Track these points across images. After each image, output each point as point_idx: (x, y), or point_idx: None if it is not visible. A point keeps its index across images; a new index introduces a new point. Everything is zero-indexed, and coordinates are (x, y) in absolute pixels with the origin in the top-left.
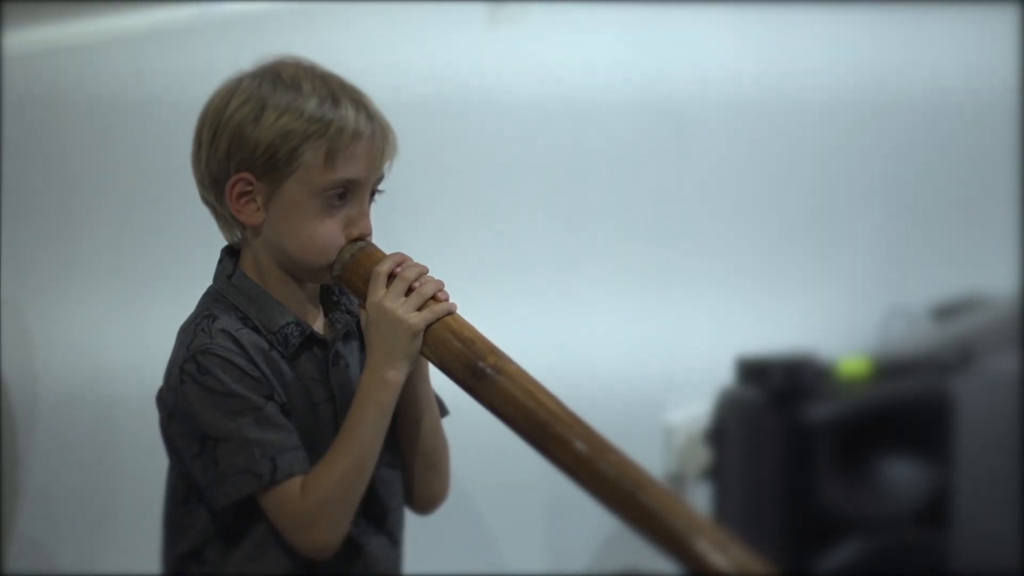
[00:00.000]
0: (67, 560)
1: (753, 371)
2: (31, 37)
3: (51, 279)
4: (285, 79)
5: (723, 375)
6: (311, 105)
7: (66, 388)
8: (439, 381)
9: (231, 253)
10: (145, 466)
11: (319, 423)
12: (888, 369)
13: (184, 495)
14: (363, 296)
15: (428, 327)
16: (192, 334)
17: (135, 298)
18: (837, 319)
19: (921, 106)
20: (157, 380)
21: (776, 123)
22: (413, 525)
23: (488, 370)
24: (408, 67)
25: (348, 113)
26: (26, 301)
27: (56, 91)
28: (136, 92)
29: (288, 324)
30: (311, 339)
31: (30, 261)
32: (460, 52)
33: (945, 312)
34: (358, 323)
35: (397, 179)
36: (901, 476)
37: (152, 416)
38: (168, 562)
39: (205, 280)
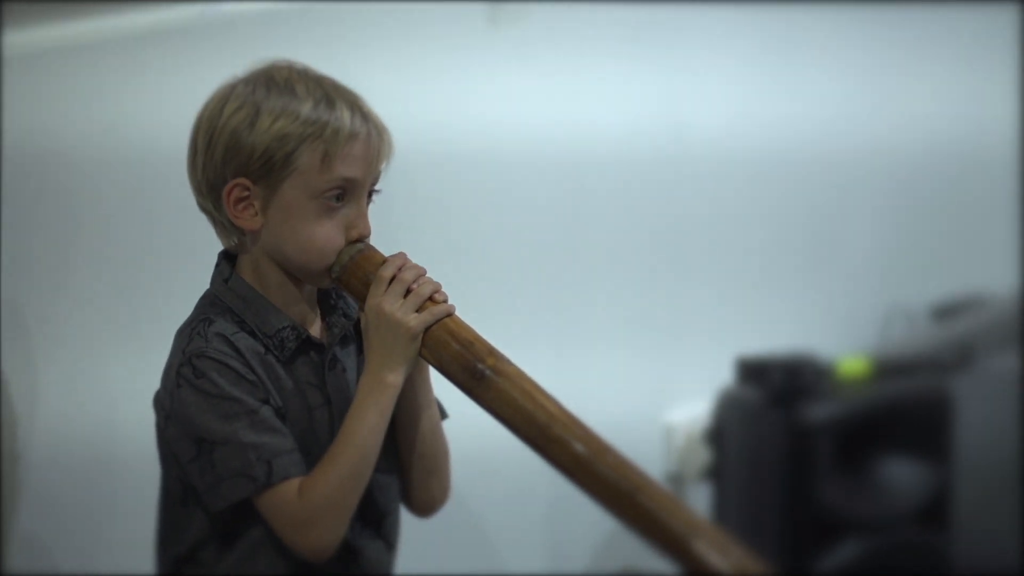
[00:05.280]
0: (67, 560)
1: (753, 371)
2: (31, 37)
3: (51, 279)
4: (279, 82)
5: (723, 375)
6: (306, 108)
7: (65, 387)
8: (438, 382)
9: (228, 257)
10: (145, 466)
11: (315, 427)
12: (888, 369)
13: (180, 497)
14: (362, 299)
15: (427, 329)
16: (188, 337)
17: (134, 298)
18: (837, 319)
19: (921, 106)
20: (155, 381)
21: (777, 123)
22: (415, 525)
23: (487, 372)
24: (408, 67)
25: (343, 114)
26: (26, 301)
27: (56, 91)
28: (136, 93)
29: (284, 328)
30: (308, 343)
31: (30, 261)
32: (460, 52)
33: (945, 312)
34: (356, 327)
35: (396, 180)
36: (901, 476)
37: (151, 416)
38: (162, 565)
39: (203, 283)
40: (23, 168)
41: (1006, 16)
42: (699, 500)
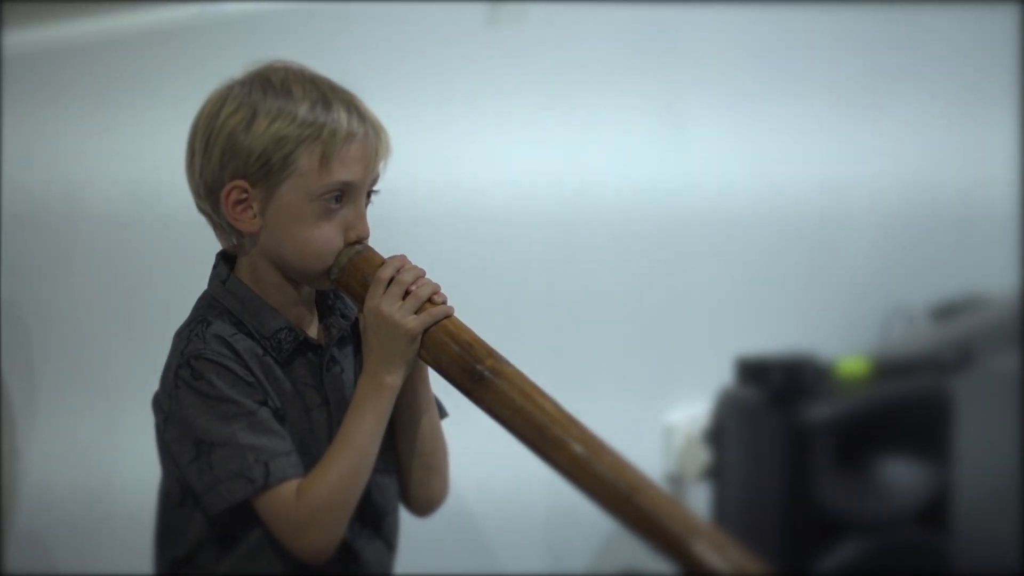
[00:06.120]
0: (66, 560)
1: (753, 371)
2: (31, 37)
3: (50, 279)
4: (275, 84)
5: (723, 375)
6: (303, 109)
7: (64, 387)
8: (437, 383)
9: (226, 258)
10: (143, 468)
11: (313, 428)
12: (888, 369)
13: (179, 500)
14: (361, 300)
15: (426, 331)
16: (186, 339)
17: (133, 297)
18: (837, 319)
19: (920, 108)
20: (154, 383)
21: (777, 123)
22: (414, 525)
23: (486, 373)
24: (407, 67)
25: (340, 115)
26: (24, 300)
27: (56, 91)
28: (136, 92)
29: (281, 330)
30: (305, 344)
31: (29, 261)
32: (460, 52)
33: (945, 312)
34: (353, 327)
35: (396, 180)
36: (901, 476)
37: (150, 418)
38: (161, 567)
39: (201, 284)
40: (22, 168)
41: (1006, 25)
42: (699, 500)
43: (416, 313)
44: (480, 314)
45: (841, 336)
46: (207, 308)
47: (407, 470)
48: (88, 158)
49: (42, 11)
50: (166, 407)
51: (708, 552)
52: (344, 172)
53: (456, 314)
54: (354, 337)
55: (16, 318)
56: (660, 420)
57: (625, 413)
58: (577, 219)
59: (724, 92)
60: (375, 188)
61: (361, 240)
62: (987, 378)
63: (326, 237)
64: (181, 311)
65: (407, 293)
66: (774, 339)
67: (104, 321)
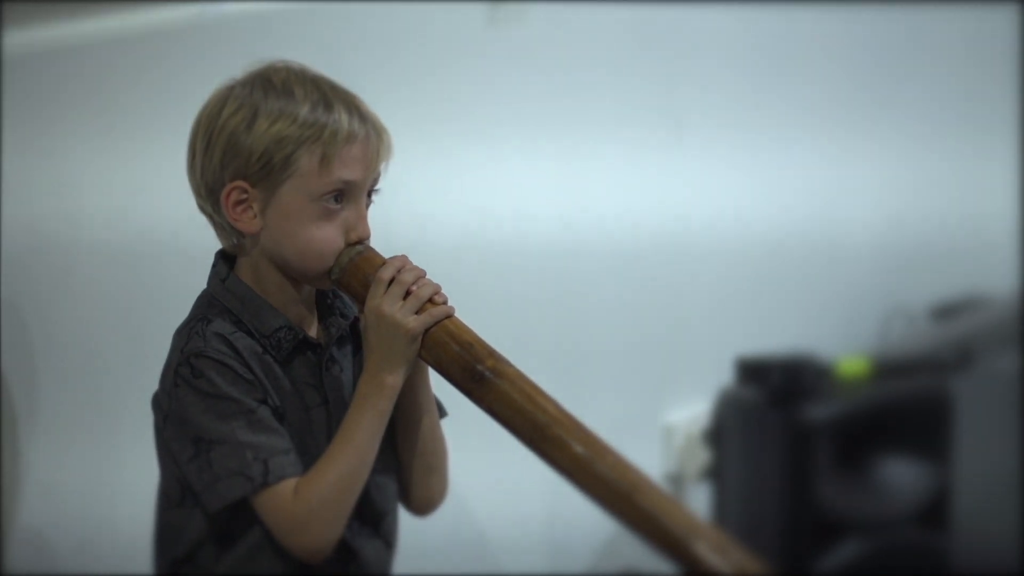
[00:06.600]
0: (67, 560)
1: (753, 371)
2: (31, 37)
3: (50, 279)
4: (276, 85)
5: (723, 375)
6: (304, 110)
7: (65, 386)
8: (437, 382)
9: (225, 257)
10: (145, 466)
11: (312, 427)
12: (888, 369)
13: (178, 499)
14: (361, 300)
15: (426, 331)
16: (186, 337)
17: (133, 297)
18: (837, 319)
19: (922, 112)
20: (154, 382)
21: (779, 124)
22: (414, 524)
23: (487, 373)
24: (406, 67)
25: (341, 116)
26: (25, 300)
27: (56, 91)
28: (136, 92)
29: (280, 328)
30: (304, 343)
31: (30, 260)
32: (459, 52)
33: (945, 312)
34: (352, 327)
35: (394, 180)
36: (901, 476)
37: (150, 418)
38: (160, 567)
39: (200, 283)
40: (22, 168)
41: (1006, 27)
42: (699, 500)
43: (417, 313)
44: (480, 314)
45: (841, 336)
46: (207, 306)
47: (407, 470)
48: (88, 158)
49: (42, 11)
50: (165, 406)
51: (709, 553)
52: (344, 172)
53: (457, 315)
54: (353, 337)
55: (17, 318)
56: (660, 420)
57: (625, 413)
58: (577, 218)
59: (726, 91)
60: (376, 188)
61: (362, 240)
62: (987, 378)
63: (327, 237)
64: (180, 311)
65: (408, 293)
66: (774, 339)
67: (104, 321)
